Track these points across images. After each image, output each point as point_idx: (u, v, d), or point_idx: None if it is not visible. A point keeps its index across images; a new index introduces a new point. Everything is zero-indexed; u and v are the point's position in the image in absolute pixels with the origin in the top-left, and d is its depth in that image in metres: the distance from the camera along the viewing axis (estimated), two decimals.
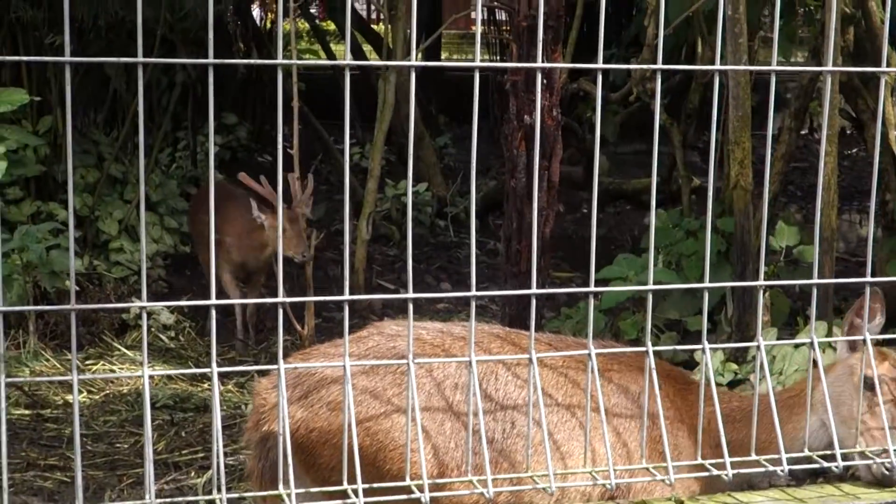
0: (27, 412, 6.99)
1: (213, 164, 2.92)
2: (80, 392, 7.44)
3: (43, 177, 9.59)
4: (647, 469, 3.42)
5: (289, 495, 3.04)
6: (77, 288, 8.91)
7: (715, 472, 3.40)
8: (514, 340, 4.01)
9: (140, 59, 2.65)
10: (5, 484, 2.72)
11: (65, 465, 6.21)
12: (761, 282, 3.44)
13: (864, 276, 3.43)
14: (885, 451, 3.53)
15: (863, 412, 3.72)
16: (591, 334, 3.29)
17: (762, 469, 3.50)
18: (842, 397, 3.93)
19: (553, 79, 5.56)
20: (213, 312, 2.95)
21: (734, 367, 7.08)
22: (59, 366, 7.72)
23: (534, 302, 3.18)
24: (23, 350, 7.87)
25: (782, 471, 3.41)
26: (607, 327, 8.18)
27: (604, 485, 3.26)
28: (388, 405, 3.64)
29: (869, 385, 3.79)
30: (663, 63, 3.25)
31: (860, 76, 8.03)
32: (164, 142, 11.56)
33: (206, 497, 4.53)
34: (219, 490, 2.95)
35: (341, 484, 3.34)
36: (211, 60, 2.76)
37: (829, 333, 6.74)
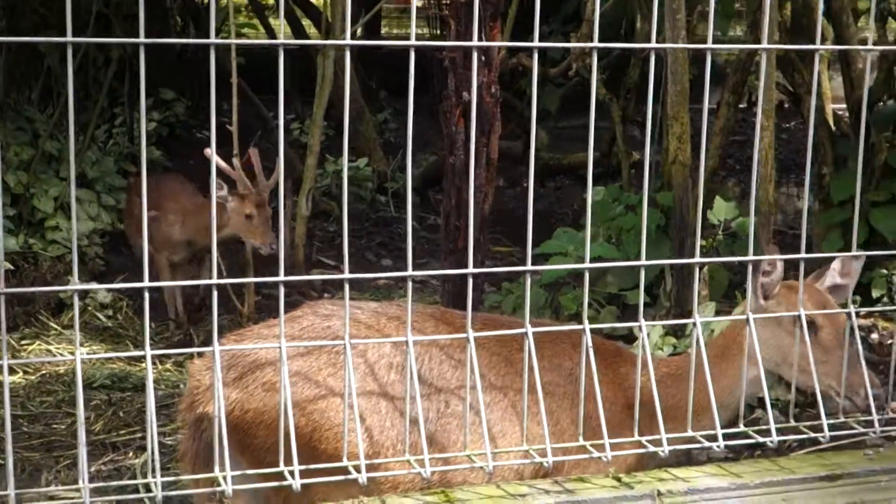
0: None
1: (145, 146, 2.88)
2: (16, 372, 7.35)
3: None
4: (585, 447, 3.43)
5: (224, 477, 3.02)
6: (12, 267, 8.79)
7: (652, 448, 3.41)
8: (448, 320, 4.00)
9: (69, 38, 2.61)
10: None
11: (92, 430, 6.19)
12: (697, 259, 3.45)
13: (799, 248, 3.45)
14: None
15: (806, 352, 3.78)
16: (528, 312, 3.29)
17: (698, 445, 3.52)
18: (770, 342, 3.98)
19: (491, 55, 5.53)
20: (147, 294, 2.91)
21: (673, 340, 7.13)
22: None
23: (471, 281, 3.17)
24: None
25: (718, 446, 3.43)
26: (548, 302, 8.19)
27: (541, 463, 3.26)
28: (322, 386, 3.62)
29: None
30: (601, 40, 3.25)
31: (797, 51, 8.08)
32: (101, 118, 11.39)
33: (143, 481, 4.49)
34: (153, 473, 2.92)
35: (276, 465, 3.32)
36: (142, 40, 2.72)
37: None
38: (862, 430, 3.71)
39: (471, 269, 3.19)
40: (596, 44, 3.20)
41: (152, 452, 2.87)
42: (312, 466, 3.08)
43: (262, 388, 3.59)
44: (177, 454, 4.19)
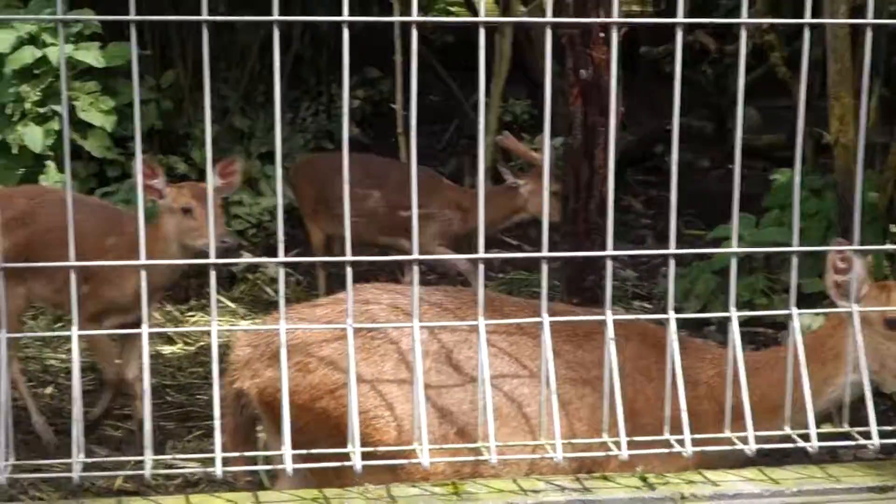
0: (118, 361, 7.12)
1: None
2: (177, 343, 7.57)
3: (165, 131, 9.76)
4: (607, 444, 3.27)
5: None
6: None
7: (677, 448, 3.23)
8: (496, 307, 3.83)
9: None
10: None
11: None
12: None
13: None
14: None
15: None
16: (545, 300, 3.17)
17: (732, 447, 3.32)
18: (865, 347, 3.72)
19: (610, 32, 5.35)
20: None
21: None
22: (157, 317, 7.82)
23: (480, 268, 3.09)
24: None
25: (750, 451, 3.22)
26: (719, 288, 7.95)
27: (551, 458, 3.14)
28: (361, 369, 3.56)
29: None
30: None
31: None
32: (295, 95, 11.62)
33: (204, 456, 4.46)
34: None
35: (306, 445, 3.30)
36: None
37: None
38: None
39: (480, 255, 3.16)
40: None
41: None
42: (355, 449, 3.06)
43: (294, 369, 3.57)
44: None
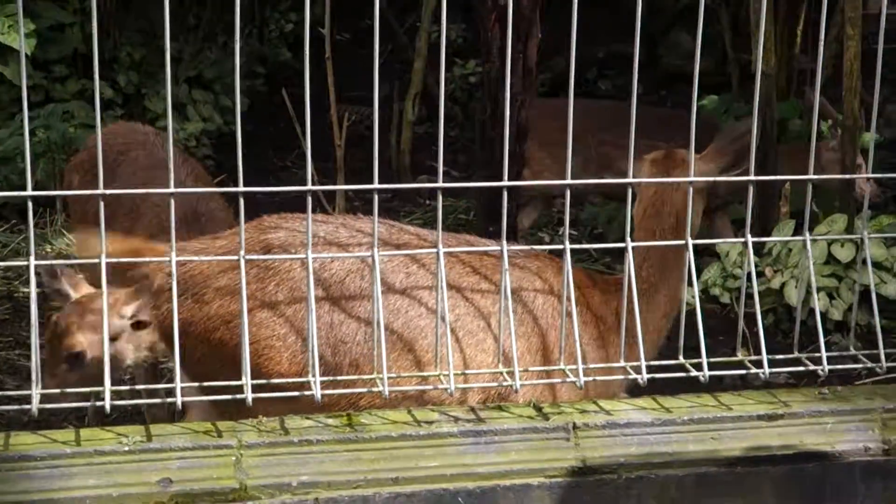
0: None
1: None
2: None
3: (89, 55, 9.57)
4: (501, 374, 3.29)
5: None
6: None
7: (571, 378, 3.25)
8: (424, 237, 3.84)
9: None
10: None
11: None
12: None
13: None
14: None
15: None
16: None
17: (626, 377, 3.34)
18: None
19: None
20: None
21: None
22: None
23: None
24: (48, 229, 7.92)
25: (642, 381, 3.25)
26: None
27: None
28: (250, 299, 3.51)
29: None
30: None
31: None
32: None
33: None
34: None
35: (209, 376, 3.30)
36: None
37: (849, 226, 6.45)
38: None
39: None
40: None
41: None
42: (260, 382, 3.08)
43: (191, 300, 3.54)
44: None
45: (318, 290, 3.48)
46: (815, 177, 3.37)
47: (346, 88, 9.06)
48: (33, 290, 2.96)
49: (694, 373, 3.25)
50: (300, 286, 3.47)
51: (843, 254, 6.37)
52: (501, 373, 3.33)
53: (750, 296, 3.79)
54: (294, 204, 7.26)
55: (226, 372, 3.37)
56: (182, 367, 3.49)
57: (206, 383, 3.19)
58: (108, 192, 2.96)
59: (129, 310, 3.97)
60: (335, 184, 7.82)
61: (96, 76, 2.93)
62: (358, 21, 13.50)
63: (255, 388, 3.10)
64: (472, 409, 3.23)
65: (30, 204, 2.98)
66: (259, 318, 3.46)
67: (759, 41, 3.38)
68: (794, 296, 6.24)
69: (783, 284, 6.40)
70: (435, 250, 3.22)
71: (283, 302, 3.48)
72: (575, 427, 3.15)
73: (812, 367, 3.34)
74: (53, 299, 4.26)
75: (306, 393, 3.08)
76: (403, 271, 3.57)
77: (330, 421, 3.13)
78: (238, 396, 3.05)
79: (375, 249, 3.14)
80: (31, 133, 7.98)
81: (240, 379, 3.10)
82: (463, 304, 3.65)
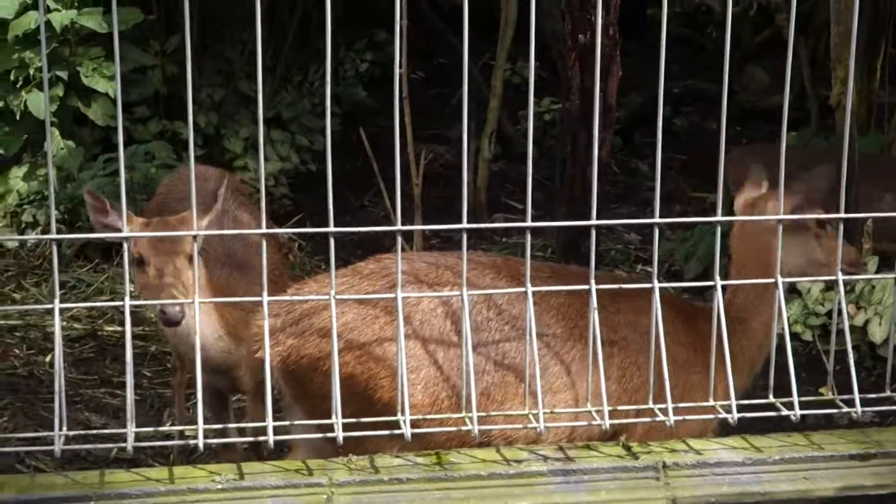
0: (119, 329, 7.11)
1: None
2: None
3: (169, 96, 9.73)
4: (591, 413, 3.28)
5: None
6: None
7: (661, 417, 3.23)
8: (510, 271, 3.88)
9: None
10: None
11: (137, 382, 6.28)
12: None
13: None
14: None
15: None
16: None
17: (713, 416, 3.32)
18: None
19: None
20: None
21: (833, 296, 6.79)
22: None
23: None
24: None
25: (732, 420, 3.22)
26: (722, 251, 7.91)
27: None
28: (378, 334, 3.59)
29: None
30: None
31: None
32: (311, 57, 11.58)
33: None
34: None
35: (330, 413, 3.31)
36: None
37: None
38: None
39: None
40: None
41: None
42: (356, 420, 3.16)
43: (317, 335, 3.59)
44: None
45: (448, 324, 3.54)
46: None
47: (420, 127, 9.11)
48: (128, 331, 3.00)
49: (785, 412, 3.22)
50: (438, 322, 3.56)
51: None
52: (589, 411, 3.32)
53: (838, 333, 3.74)
54: (370, 242, 7.30)
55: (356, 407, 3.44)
56: (301, 402, 3.55)
57: (322, 420, 3.23)
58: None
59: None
60: (412, 222, 7.87)
61: (190, 120, 2.98)
62: (430, 60, 13.61)
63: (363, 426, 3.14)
64: (561, 448, 3.22)
65: (125, 245, 3.04)
66: (391, 352, 3.53)
67: (850, 77, 3.35)
68: (877, 333, 6.22)
69: (867, 321, 6.36)
70: (523, 289, 3.22)
71: (419, 337, 3.56)
72: (665, 466, 3.14)
73: None
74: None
75: (463, 428, 3.14)
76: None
77: (420, 459, 3.14)
78: (329, 435, 3.06)
79: (464, 289, 3.16)
80: (116, 173, 8.10)
81: (361, 414, 3.18)
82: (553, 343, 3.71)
